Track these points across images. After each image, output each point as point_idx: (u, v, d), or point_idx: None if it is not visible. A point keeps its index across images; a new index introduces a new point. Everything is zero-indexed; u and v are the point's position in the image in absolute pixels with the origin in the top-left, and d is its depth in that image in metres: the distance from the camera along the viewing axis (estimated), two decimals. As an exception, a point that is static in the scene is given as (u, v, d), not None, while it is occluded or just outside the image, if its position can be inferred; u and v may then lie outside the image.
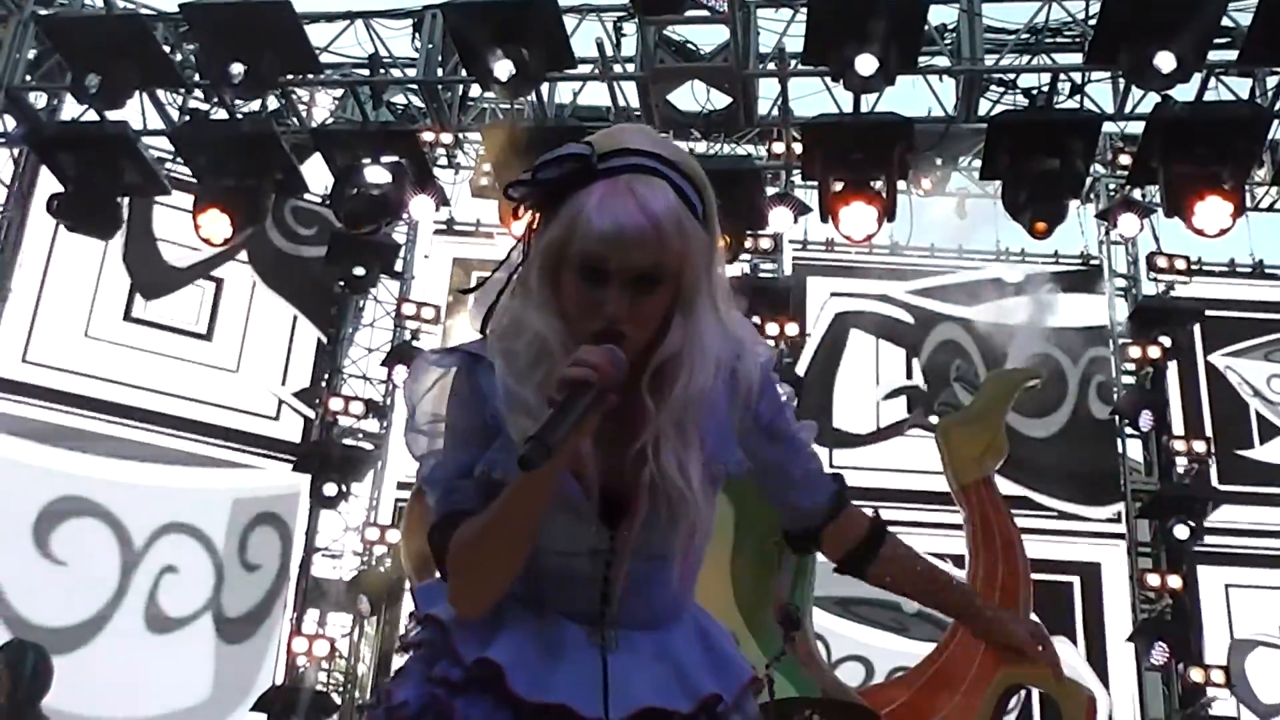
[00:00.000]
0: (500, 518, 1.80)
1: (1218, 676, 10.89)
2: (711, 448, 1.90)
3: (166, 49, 9.22)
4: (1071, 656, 11.64)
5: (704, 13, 8.29)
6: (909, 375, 12.72)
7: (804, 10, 8.29)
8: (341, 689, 11.69)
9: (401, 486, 12.04)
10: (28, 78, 10.03)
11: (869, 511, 2.18)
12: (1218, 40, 8.28)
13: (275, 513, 12.01)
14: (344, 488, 11.65)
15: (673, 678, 1.86)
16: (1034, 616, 8.06)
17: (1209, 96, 8.71)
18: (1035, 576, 7.84)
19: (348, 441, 12.06)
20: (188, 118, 9.80)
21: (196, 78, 9.55)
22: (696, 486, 1.85)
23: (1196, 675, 10.87)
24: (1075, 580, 11.92)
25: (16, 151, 11.04)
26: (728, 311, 1.91)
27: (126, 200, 9.86)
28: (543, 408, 1.72)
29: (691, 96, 9.82)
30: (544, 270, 1.83)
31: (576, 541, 1.87)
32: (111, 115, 9.11)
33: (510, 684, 1.78)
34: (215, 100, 9.59)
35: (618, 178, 1.79)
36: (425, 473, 1.92)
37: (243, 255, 12.26)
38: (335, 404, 12.06)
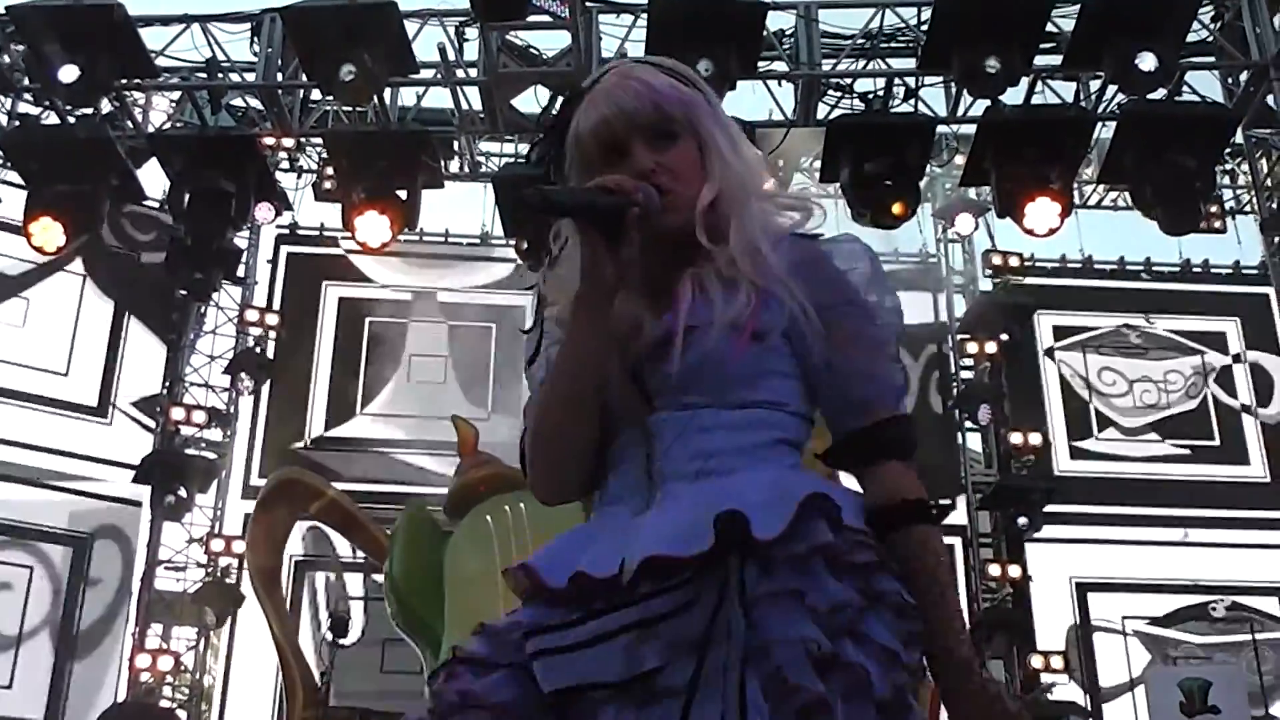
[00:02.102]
0: (559, 368, 1.82)
1: (1057, 662, 11.26)
2: (767, 306, 1.81)
3: (-8, 51, 8.95)
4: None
5: (546, 18, 8.31)
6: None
7: (645, 16, 8.37)
8: (188, 704, 11.44)
9: (246, 496, 11.83)
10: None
11: (915, 492, 1.81)
12: (1043, 46, 8.56)
13: (115, 525, 11.73)
14: (187, 499, 11.41)
15: (701, 522, 1.64)
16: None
17: (1036, 100, 9.01)
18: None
19: (191, 451, 11.82)
20: (17, 123, 9.52)
21: (26, 81, 9.27)
22: (728, 327, 1.77)
23: (1036, 662, 11.23)
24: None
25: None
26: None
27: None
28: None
29: (535, 100, 9.85)
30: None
31: (619, 400, 1.82)
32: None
33: (542, 577, 1.73)
34: (46, 104, 9.32)
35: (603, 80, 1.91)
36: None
37: (76, 263, 11.96)
38: (177, 413, 11.82)
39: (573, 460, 1.84)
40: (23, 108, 9.75)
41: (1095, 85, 9.07)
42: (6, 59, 9.16)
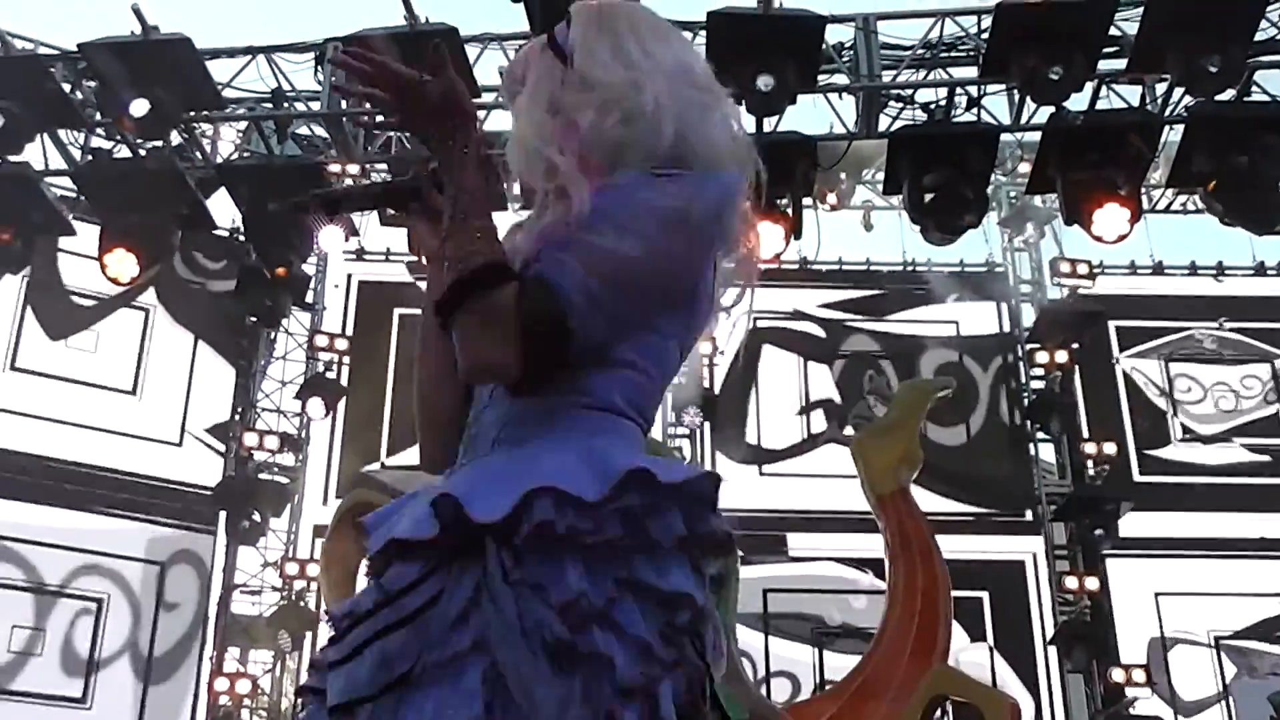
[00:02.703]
0: (419, 336, 1.96)
1: (1138, 676, 11.07)
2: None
3: (66, 88, 9.10)
4: (996, 662, 11.78)
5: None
6: (822, 389, 12.82)
7: (703, 32, 8.37)
8: (266, 727, 11.55)
9: (320, 519, 11.93)
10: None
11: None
12: (1107, 50, 8.47)
13: (191, 550, 11.86)
14: (261, 523, 11.54)
15: (426, 509, 1.65)
16: (955, 623, 8.22)
17: (1101, 105, 8.91)
18: (954, 583, 7.95)
19: (264, 476, 11.95)
20: (90, 157, 9.69)
21: (98, 116, 9.44)
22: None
23: (1118, 676, 11.04)
24: (993, 585, 12.04)
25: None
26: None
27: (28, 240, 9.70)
28: None
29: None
30: None
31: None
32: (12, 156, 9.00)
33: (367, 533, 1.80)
34: (118, 138, 9.49)
35: None
36: None
37: (148, 293, 12.13)
38: (250, 439, 11.95)
39: (441, 423, 1.88)
40: (95, 142, 9.93)
41: (1161, 88, 8.95)
42: (79, 95, 9.33)
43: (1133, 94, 9.11)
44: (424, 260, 1.88)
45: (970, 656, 11.29)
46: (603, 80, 1.86)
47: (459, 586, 1.59)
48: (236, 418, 12.37)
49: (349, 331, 12.82)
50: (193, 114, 9.32)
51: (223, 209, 10.06)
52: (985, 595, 11.95)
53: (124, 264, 9.14)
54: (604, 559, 1.58)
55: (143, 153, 9.35)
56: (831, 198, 11.69)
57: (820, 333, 12.95)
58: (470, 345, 1.70)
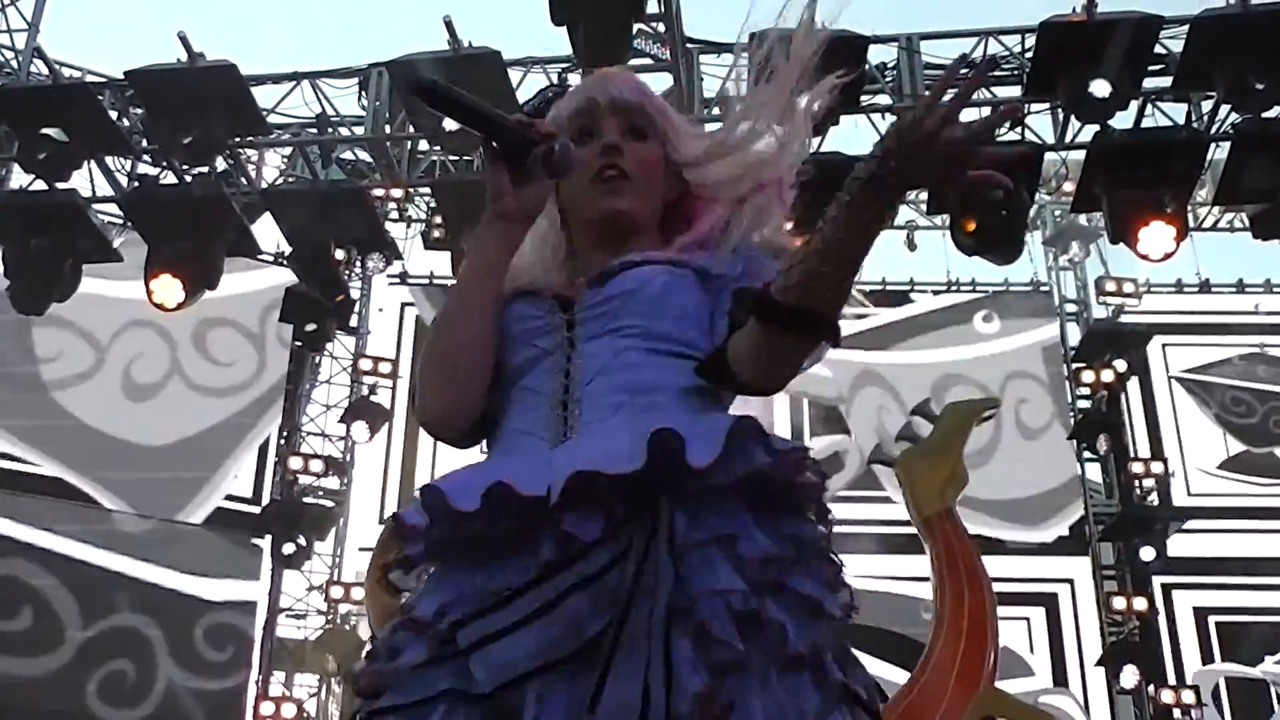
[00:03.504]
0: (456, 289, 1.84)
1: (1188, 697, 10.94)
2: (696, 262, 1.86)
3: (113, 115, 9.20)
4: (1046, 683, 11.68)
5: (647, 60, 8.36)
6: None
7: (745, 55, 8.37)
8: (312, 750, 11.59)
9: (364, 549, 11.97)
10: (-23, 151, 9.97)
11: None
12: (1152, 67, 8.41)
13: (237, 574, 11.92)
14: (306, 547, 11.58)
15: (632, 442, 1.57)
16: (1003, 642, 8.16)
17: (1146, 123, 8.85)
18: (1001, 602, 7.90)
19: (309, 500, 12.00)
20: (137, 183, 9.78)
21: (145, 143, 9.53)
22: (665, 262, 1.84)
23: (1167, 697, 10.92)
24: (1042, 605, 11.95)
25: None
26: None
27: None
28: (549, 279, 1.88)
29: (640, 143, 9.89)
30: None
31: (535, 322, 1.83)
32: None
33: (450, 500, 1.61)
34: (164, 164, 9.57)
35: None
36: None
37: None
38: (295, 462, 12.01)
39: (465, 380, 1.79)
40: (141, 168, 10.02)
41: (1207, 106, 8.88)
42: (126, 122, 9.42)
43: (1178, 112, 9.04)
44: (494, 211, 1.81)
45: (1017, 677, 11.19)
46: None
47: (636, 543, 1.53)
48: (281, 441, 12.44)
49: (394, 354, 12.89)
50: (238, 139, 9.39)
51: (267, 234, 10.14)
52: (1032, 616, 11.86)
53: (170, 289, 9.20)
54: (774, 517, 1.59)
55: (189, 179, 9.43)
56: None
57: (862, 355, 12.92)
58: (781, 368, 1.72)
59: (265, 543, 11.69)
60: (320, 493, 12.26)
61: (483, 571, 1.59)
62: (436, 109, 1.82)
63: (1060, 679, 11.85)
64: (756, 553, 1.53)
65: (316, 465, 12.10)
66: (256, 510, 11.93)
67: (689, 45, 8.80)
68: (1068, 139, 8.99)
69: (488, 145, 1.77)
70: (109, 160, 9.59)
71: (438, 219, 11.25)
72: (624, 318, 1.78)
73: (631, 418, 1.66)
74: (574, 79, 9.22)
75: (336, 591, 11.64)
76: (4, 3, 9.77)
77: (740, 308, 1.73)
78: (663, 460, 1.54)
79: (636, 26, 8.04)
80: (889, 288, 13.10)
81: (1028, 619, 11.81)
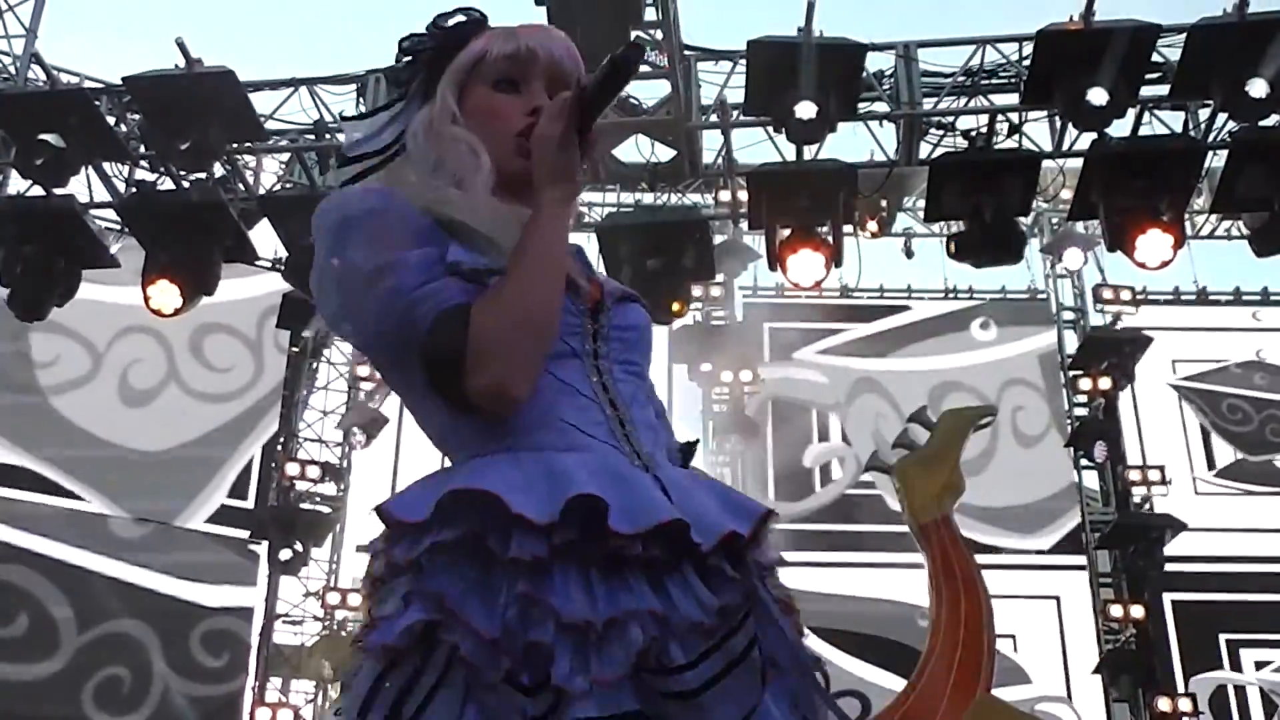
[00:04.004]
0: (532, 259, 1.63)
1: (1185, 705, 10.94)
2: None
3: (111, 121, 9.20)
4: (1043, 690, 11.68)
5: (645, 68, 8.36)
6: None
7: (743, 62, 8.37)
8: (308, 757, 11.58)
9: (362, 549, 11.96)
10: (-21, 156, 9.97)
11: None
12: (1149, 75, 8.42)
13: (234, 580, 11.91)
14: (303, 553, 11.57)
15: (717, 501, 1.61)
16: (999, 650, 8.16)
17: (1144, 131, 8.86)
18: (997, 610, 7.89)
19: (305, 506, 11.99)
20: (135, 189, 9.78)
21: (142, 149, 9.53)
22: (641, 309, 1.85)
23: (1164, 705, 10.91)
24: (1037, 613, 11.95)
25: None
26: None
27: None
28: (496, 203, 1.73)
29: (636, 149, 9.91)
30: (451, 93, 1.84)
31: (570, 317, 1.72)
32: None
33: (610, 522, 1.49)
34: (161, 170, 9.57)
35: None
36: (389, 290, 1.61)
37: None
38: (292, 468, 12.00)
39: (546, 347, 1.66)
40: (139, 174, 10.02)
41: (1204, 114, 8.89)
42: (124, 128, 9.42)
43: (1176, 120, 9.06)
44: (571, 192, 1.72)
45: (1013, 685, 11.18)
46: None
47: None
48: (278, 447, 12.43)
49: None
50: (236, 146, 9.39)
51: (264, 240, 10.15)
52: (1029, 623, 11.86)
53: (167, 295, 9.19)
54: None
55: (186, 185, 9.43)
56: (872, 225, 11.67)
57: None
58: None
59: (262, 548, 11.68)
60: (317, 499, 12.26)
61: (642, 594, 1.48)
62: (618, 86, 1.70)
63: (1057, 686, 11.84)
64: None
65: (314, 471, 12.10)
66: (253, 516, 11.92)
67: (686, 53, 8.81)
68: (1065, 147, 9.00)
69: (586, 122, 1.69)
70: (107, 166, 9.58)
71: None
72: (633, 354, 1.78)
73: (676, 474, 1.68)
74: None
75: (333, 597, 11.64)
76: (2, 8, 9.77)
77: None
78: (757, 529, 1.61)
79: (634, 34, 8.04)
80: (886, 295, 13.11)
81: (1024, 626, 11.80)
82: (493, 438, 1.62)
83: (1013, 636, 11.46)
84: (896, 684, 8.10)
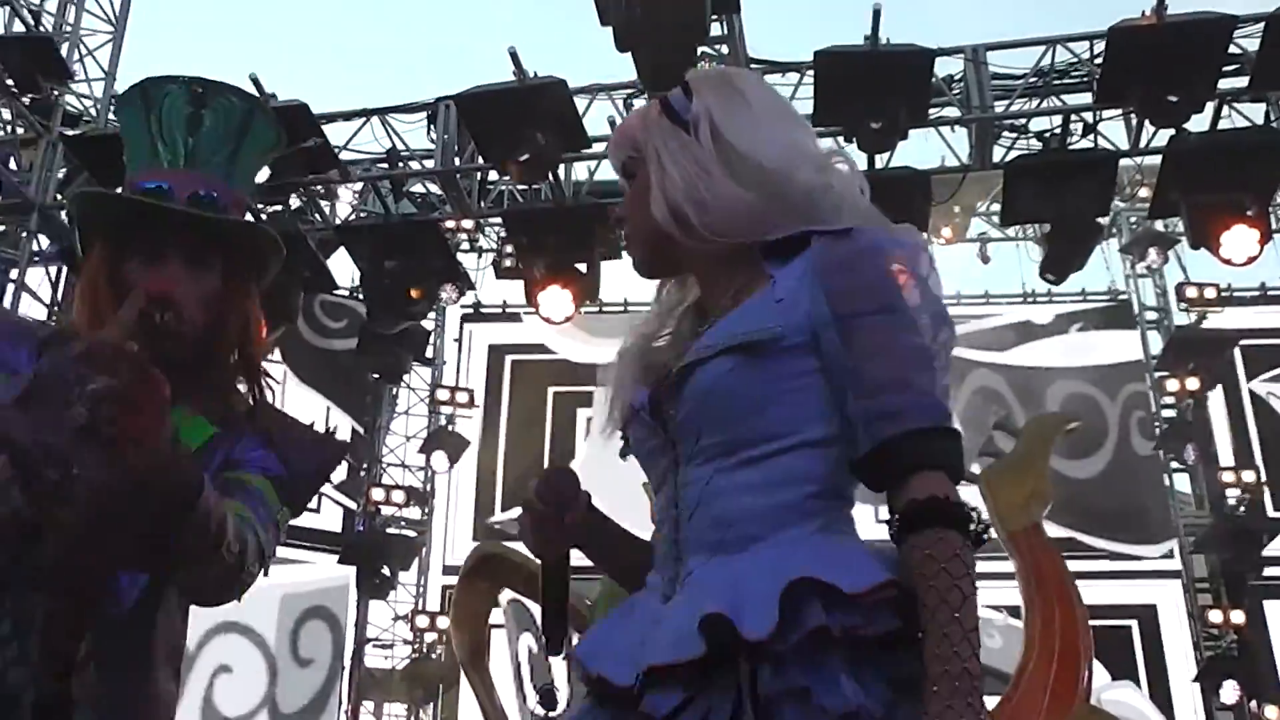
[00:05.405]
0: None
1: (1295, 713, 10.70)
2: (727, 325, 1.67)
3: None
4: (1137, 700, 11.47)
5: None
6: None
7: (810, 73, 8.34)
8: (403, 779, 11.65)
9: (448, 571, 12.04)
10: (58, 196, 10.16)
11: (939, 492, 1.50)
12: (1227, 68, 8.25)
13: (324, 606, 12.02)
14: (391, 577, 11.67)
15: (687, 625, 1.52)
16: (1095, 661, 8.01)
17: (1223, 124, 8.69)
18: (1093, 620, 7.75)
19: (391, 530, 12.09)
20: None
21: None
22: (715, 361, 1.64)
23: (1271, 714, 10.65)
24: (1134, 622, 11.74)
25: (52, 270, 11.16)
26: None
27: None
28: None
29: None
30: None
31: (649, 443, 1.73)
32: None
33: (584, 664, 1.65)
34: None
35: None
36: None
37: (275, 353, 12.37)
38: (377, 494, 12.11)
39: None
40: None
41: (1286, 105, 8.71)
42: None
43: (1256, 112, 8.87)
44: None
45: (1113, 695, 10.99)
46: (755, 157, 1.72)
47: (721, 702, 1.49)
48: (363, 474, 12.55)
49: (469, 384, 12.98)
50: (312, 177, 9.51)
51: (341, 269, 10.27)
52: (1126, 631, 11.66)
53: (252, 326, 9.33)
54: (873, 656, 1.47)
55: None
56: (947, 231, 11.57)
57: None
58: None
59: (351, 573, 11.78)
60: (403, 523, 12.35)
61: None
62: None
63: (1155, 694, 11.61)
64: (838, 706, 1.43)
65: (398, 496, 12.19)
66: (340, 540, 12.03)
67: (753, 66, 8.79)
68: (1142, 144, 8.84)
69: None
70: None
71: (508, 248, 11.32)
72: (704, 434, 1.64)
73: (715, 571, 1.58)
74: (639, 103, 9.25)
75: (422, 621, 11.71)
76: (81, 53, 9.96)
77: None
78: (721, 641, 1.48)
79: (700, 49, 8.04)
80: (963, 302, 12.96)
81: (1121, 635, 11.59)
82: None
83: (1110, 644, 11.24)
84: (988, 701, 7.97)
